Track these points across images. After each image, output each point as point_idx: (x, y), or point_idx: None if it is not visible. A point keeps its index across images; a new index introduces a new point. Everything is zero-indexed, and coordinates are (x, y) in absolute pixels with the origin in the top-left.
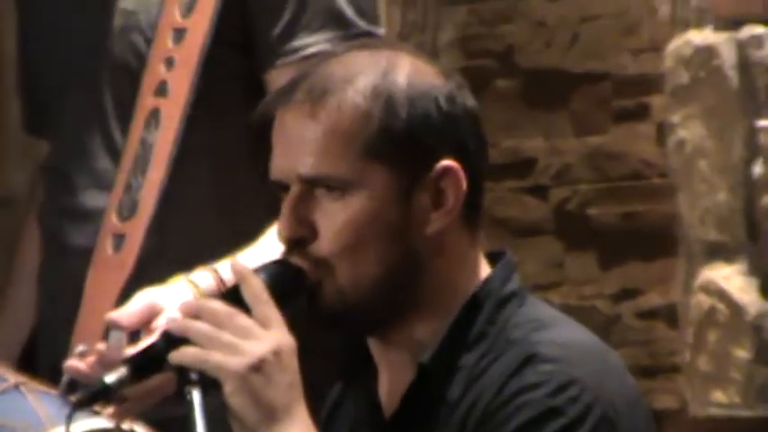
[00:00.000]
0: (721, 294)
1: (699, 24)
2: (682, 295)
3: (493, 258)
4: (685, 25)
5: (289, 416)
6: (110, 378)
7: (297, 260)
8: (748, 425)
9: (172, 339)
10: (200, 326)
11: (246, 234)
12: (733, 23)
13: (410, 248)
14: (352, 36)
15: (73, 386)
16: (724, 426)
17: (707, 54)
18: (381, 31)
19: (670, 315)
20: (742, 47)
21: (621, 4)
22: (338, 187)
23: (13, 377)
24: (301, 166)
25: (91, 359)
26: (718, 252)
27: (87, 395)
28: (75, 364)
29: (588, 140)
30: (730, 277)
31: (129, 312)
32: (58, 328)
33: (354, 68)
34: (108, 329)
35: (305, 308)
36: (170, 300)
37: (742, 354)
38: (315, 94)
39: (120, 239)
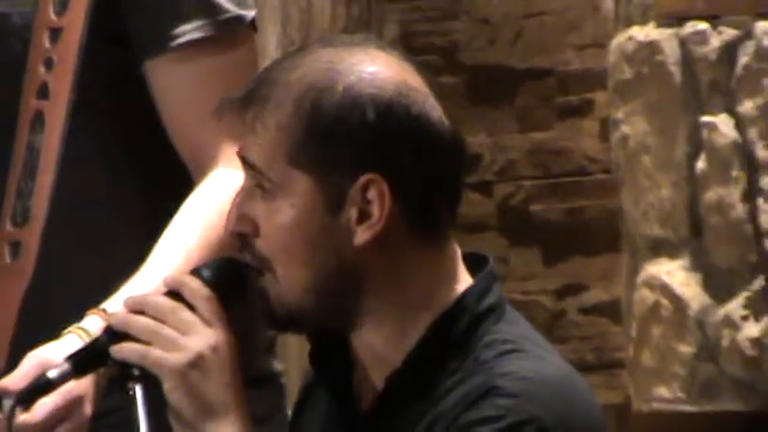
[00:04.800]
0: (664, 290)
1: (642, 21)
2: (625, 291)
3: (474, 265)
4: (629, 21)
5: (226, 413)
6: (52, 373)
7: (243, 255)
8: (692, 420)
9: (114, 334)
10: (142, 320)
11: (142, 227)
12: (676, 20)
13: (341, 258)
14: (223, 21)
15: None
16: (667, 421)
17: (650, 50)
18: (252, 13)
19: (614, 310)
20: (685, 43)
21: (565, 0)
22: (269, 190)
23: None
24: (248, 154)
25: None
26: (662, 247)
27: (30, 390)
28: (6, 384)
29: (532, 136)
30: (673, 273)
31: (19, 376)
32: None
33: (299, 72)
34: (2, 396)
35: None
36: (61, 355)
37: (685, 349)
38: (258, 98)
39: (16, 247)
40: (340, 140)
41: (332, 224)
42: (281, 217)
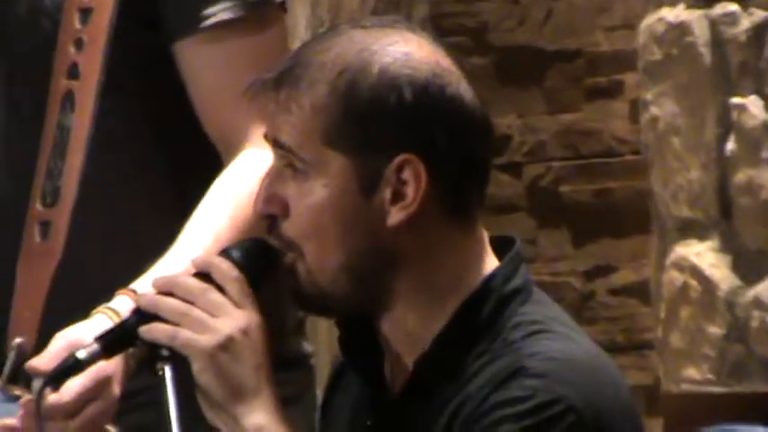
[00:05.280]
0: (694, 271)
1: (672, 2)
2: (654, 272)
3: (501, 247)
4: (658, 3)
5: (256, 395)
6: (81, 353)
7: (270, 239)
8: (721, 401)
9: (143, 315)
10: (171, 302)
11: (170, 210)
12: (705, 1)
13: (373, 239)
14: (252, 2)
15: (15, 376)
16: (697, 402)
17: (680, 31)
18: None
19: (643, 291)
20: (715, 24)
21: None
22: (301, 170)
23: None
24: (279, 134)
25: (22, 412)
26: (691, 229)
27: (59, 370)
28: (36, 364)
29: (561, 118)
30: (703, 254)
31: (49, 356)
32: None
33: (332, 53)
34: (32, 376)
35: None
36: (91, 336)
37: (714, 330)
38: (290, 79)
39: (46, 227)
40: (377, 121)
41: (365, 205)
42: (314, 197)
